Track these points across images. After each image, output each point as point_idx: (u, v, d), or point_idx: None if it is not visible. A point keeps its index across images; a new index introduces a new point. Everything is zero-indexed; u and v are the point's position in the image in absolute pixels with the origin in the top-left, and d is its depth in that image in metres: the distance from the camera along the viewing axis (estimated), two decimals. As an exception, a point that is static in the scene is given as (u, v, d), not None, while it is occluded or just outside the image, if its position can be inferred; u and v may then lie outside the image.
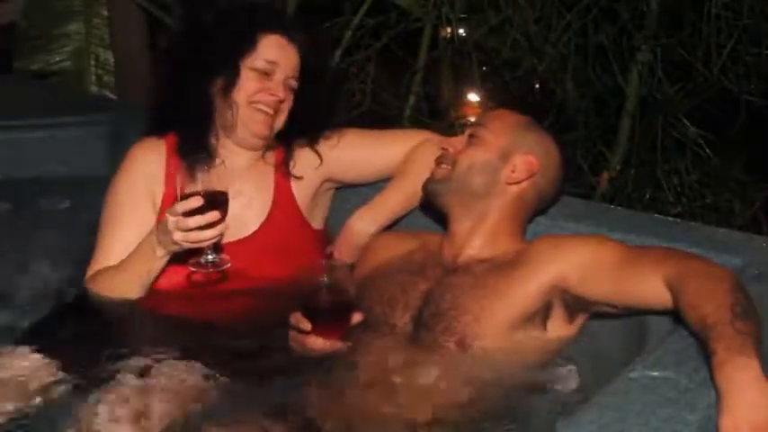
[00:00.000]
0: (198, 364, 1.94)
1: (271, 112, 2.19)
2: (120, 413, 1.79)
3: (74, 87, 4.12)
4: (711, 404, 1.56)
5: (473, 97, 3.89)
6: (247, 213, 2.24)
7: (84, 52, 4.18)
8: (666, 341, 1.76)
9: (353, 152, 2.33)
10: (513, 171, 2.02)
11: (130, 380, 1.88)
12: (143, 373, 1.90)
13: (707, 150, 3.35)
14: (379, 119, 3.61)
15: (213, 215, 1.93)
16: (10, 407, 1.85)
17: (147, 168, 2.26)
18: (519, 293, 1.92)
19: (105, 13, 4.16)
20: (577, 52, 3.32)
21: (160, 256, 2.06)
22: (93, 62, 4.19)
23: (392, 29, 3.60)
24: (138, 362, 1.93)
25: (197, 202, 1.93)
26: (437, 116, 3.81)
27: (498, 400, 1.86)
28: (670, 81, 3.28)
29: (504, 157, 2.02)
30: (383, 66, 3.66)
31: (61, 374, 1.93)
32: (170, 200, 2.21)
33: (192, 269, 2.03)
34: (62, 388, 1.91)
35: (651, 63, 3.26)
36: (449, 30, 3.53)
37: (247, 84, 2.17)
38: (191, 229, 1.93)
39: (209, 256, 2.00)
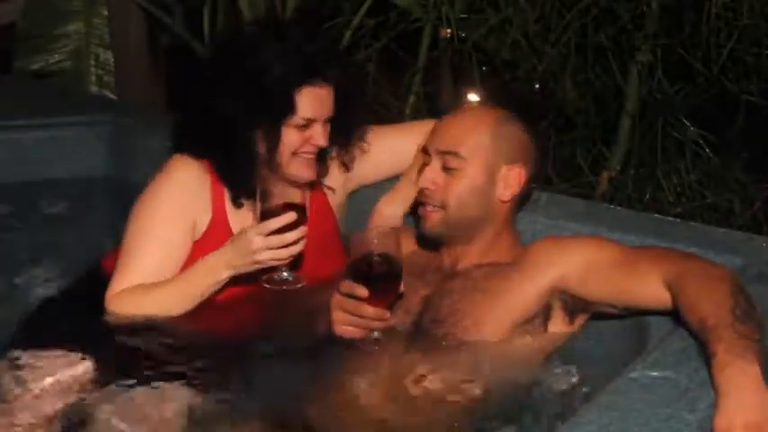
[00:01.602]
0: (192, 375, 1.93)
1: (314, 156, 2.14)
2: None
3: (74, 87, 4.11)
4: (711, 404, 1.56)
5: (473, 97, 3.89)
6: None
7: (84, 52, 4.17)
8: (666, 341, 1.76)
9: (382, 152, 2.33)
10: (504, 188, 1.98)
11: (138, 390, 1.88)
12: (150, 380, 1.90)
13: (707, 150, 3.35)
14: (379, 119, 3.61)
15: (302, 230, 1.92)
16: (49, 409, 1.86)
17: (192, 193, 2.15)
18: (518, 297, 1.92)
19: (105, 13, 4.15)
20: (577, 52, 3.32)
21: (224, 279, 2.01)
22: (93, 62, 4.18)
23: (392, 29, 3.60)
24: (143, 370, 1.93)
25: (290, 217, 1.90)
26: (437, 116, 3.80)
27: (498, 400, 1.86)
28: (670, 81, 3.28)
29: (490, 178, 1.96)
30: (383, 66, 3.66)
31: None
32: (217, 227, 2.15)
33: (267, 286, 1.98)
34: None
35: (651, 63, 3.26)
36: (449, 30, 3.53)
37: (289, 140, 2.10)
38: (279, 247, 1.91)
39: (284, 273, 1.97)
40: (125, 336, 2.05)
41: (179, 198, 2.13)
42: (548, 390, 1.90)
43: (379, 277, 1.85)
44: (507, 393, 1.87)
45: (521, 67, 3.45)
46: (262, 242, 1.92)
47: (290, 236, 1.91)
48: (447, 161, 1.95)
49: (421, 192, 1.98)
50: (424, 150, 2.02)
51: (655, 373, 1.65)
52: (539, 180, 2.12)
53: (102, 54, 4.18)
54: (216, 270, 2.00)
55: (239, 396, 1.92)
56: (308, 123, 2.09)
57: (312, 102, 2.09)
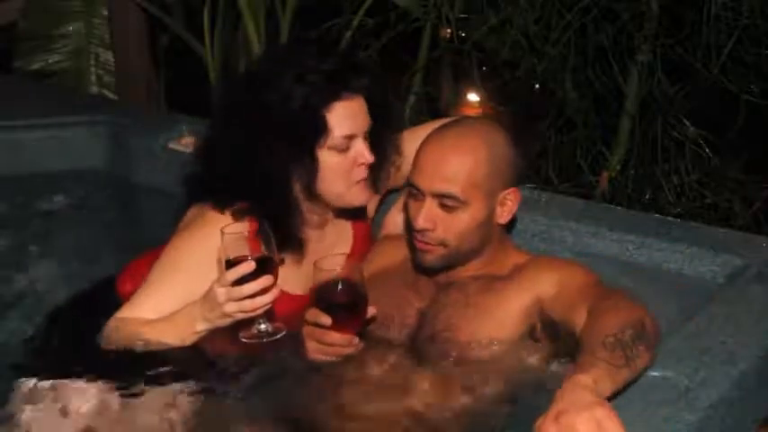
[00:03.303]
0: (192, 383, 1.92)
1: (366, 175, 2.03)
2: None
3: (74, 87, 4.11)
4: (711, 404, 1.56)
5: (473, 97, 3.89)
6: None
7: (84, 52, 4.17)
8: (666, 341, 1.76)
9: (407, 161, 2.19)
10: (502, 212, 1.94)
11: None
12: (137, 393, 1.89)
13: (707, 150, 3.35)
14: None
15: (267, 279, 1.81)
16: None
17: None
18: (506, 314, 1.91)
19: (105, 13, 4.16)
20: (577, 52, 3.32)
21: (199, 331, 1.92)
22: (93, 62, 4.19)
23: (392, 29, 3.60)
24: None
25: (249, 267, 1.80)
26: (437, 116, 3.80)
27: (497, 402, 1.86)
28: (670, 81, 3.28)
29: (490, 208, 1.91)
30: (383, 66, 3.66)
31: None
32: None
33: (245, 340, 1.89)
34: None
35: (651, 63, 3.26)
36: (449, 30, 3.53)
37: (332, 164, 1.98)
38: (243, 299, 1.82)
39: (262, 326, 1.88)
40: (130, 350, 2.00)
41: (213, 251, 1.95)
42: (547, 391, 1.90)
43: (343, 305, 1.84)
44: (505, 396, 1.87)
45: (521, 67, 3.45)
46: (225, 294, 1.82)
47: (247, 288, 1.80)
48: (444, 201, 1.87)
49: (421, 233, 1.90)
50: (413, 185, 1.91)
51: (655, 373, 1.65)
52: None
53: (102, 54, 4.19)
54: (193, 321, 1.92)
55: (240, 403, 1.91)
56: (347, 143, 1.99)
57: (347, 116, 1.98)
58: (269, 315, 1.89)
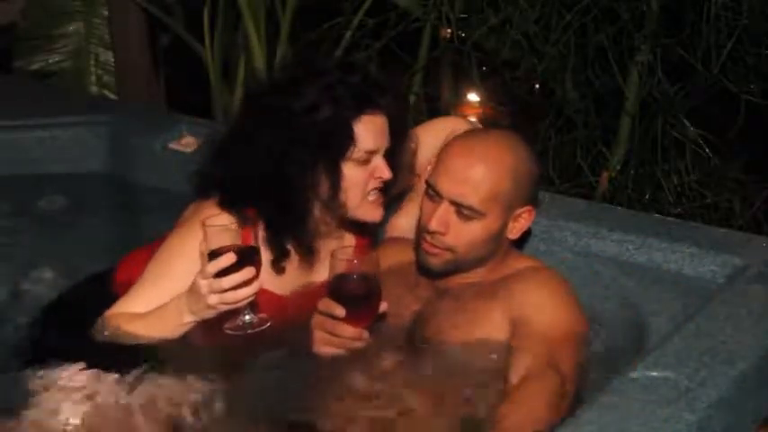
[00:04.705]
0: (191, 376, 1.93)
1: (382, 195, 2.05)
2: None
3: (74, 87, 4.12)
4: (711, 404, 1.56)
5: (473, 97, 3.90)
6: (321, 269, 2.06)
7: (84, 52, 4.18)
8: (666, 341, 1.77)
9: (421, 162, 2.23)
10: (513, 227, 1.94)
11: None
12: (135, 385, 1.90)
13: (707, 150, 3.35)
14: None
15: (249, 271, 1.82)
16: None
17: None
18: (494, 323, 1.91)
19: (105, 13, 4.16)
20: (577, 52, 3.32)
21: (186, 323, 1.92)
22: (93, 62, 4.19)
23: (392, 29, 3.61)
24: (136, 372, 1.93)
25: (229, 259, 1.80)
26: (437, 116, 3.81)
27: (486, 407, 1.85)
28: (670, 81, 3.28)
29: (504, 223, 1.92)
30: (383, 66, 3.66)
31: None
32: None
33: (230, 332, 1.89)
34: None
35: (651, 63, 3.26)
36: (449, 30, 3.53)
37: (352, 176, 2.00)
38: (225, 290, 1.82)
39: (246, 317, 1.88)
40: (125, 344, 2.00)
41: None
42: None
43: (358, 298, 1.84)
44: (496, 402, 1.87)
45: (521, 67, 3.45)
46: (207, 286, 1.83)
47: (228, 280, 1.81)
48: (461, 210, 1.87)
49: (431, 234, 1.91)
50: (432, 187, 1.91)
51: (655, 373, 1.65)
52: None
53: (102, 54, 4.19)
54: (179, 313, 1.92)
55: (234, 399, 1.91)
56: (368, 157, 2.00)
57: (371, 131, 2.00)
58: (253, 307, 1.89)
